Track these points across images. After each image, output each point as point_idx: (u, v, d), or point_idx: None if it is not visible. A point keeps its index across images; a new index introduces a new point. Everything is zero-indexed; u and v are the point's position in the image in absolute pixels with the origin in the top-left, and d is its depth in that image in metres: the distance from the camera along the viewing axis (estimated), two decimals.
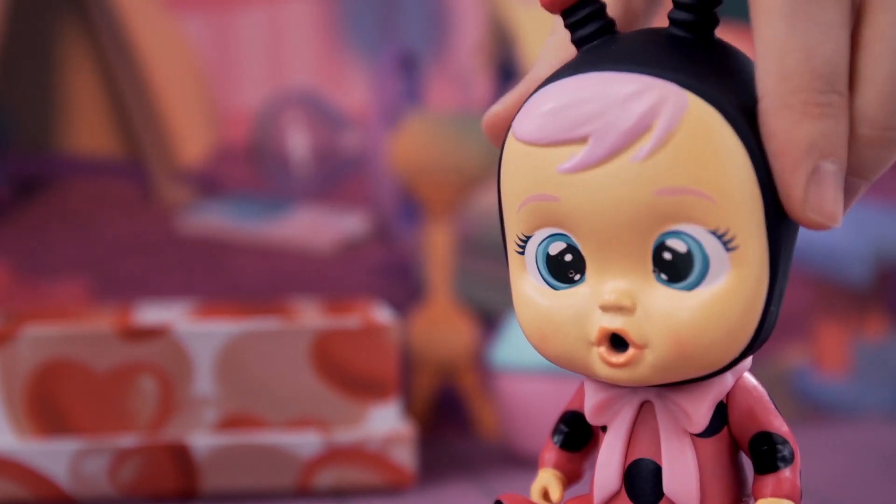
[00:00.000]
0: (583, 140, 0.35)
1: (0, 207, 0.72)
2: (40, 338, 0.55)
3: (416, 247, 0.75)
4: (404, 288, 0.75)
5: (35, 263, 0.72)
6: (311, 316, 0.63)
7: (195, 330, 0.56)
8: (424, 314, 0.73)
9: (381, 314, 0.61)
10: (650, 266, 0.35)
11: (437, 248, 0.74)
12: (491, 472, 0.62)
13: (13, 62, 0.72)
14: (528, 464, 0.62)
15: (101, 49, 0.73)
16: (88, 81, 0.73)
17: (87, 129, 0.73)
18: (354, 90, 0.75)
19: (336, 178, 0.75)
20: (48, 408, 0.56)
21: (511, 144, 0.37)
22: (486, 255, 0.75)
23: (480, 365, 0.73)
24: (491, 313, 0.74)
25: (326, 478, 0.57)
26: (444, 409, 0.74)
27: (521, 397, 0.63)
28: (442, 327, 0.73)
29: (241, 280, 0.74)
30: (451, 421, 0.74)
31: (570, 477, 0.40)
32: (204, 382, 0.56)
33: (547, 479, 0.40)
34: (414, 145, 0.73)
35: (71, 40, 0.72)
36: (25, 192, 0.72)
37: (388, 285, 0.75)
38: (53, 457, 0.55)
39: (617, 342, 0.35)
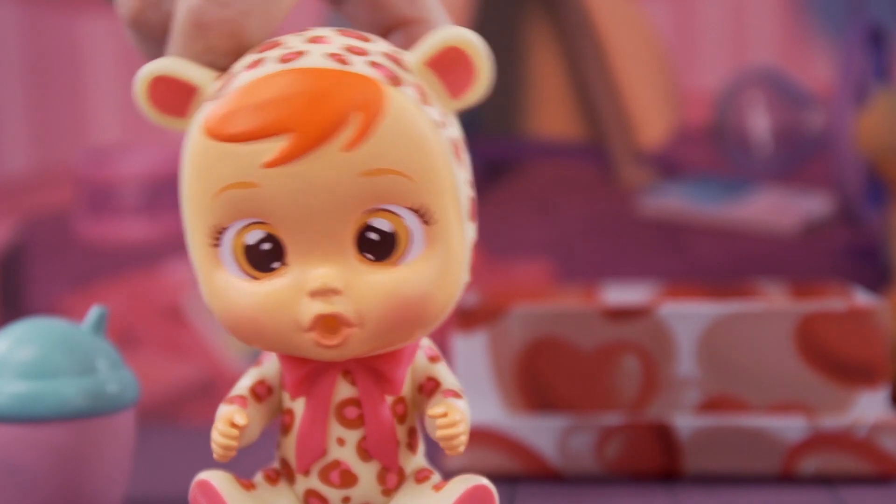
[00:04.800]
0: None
1: None
2: (529, 316, 0.57)
3: (883, 229, 0.72)
4: (870, 271, 0.72)
5: (501, 244, 0.74)
6: (782, 299, 0.61)
7: (678, 311, 0.56)
8: (892, 298, 0.70)
9: (863, 297, 0.59)
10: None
11: None
12: None
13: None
14: None
15: (565, 34, 0.74)
16: (553, 66, 0.74)
17: (550, 113, 0.74)
18: (819, 67, 0.73)
19: (799, 158, 0.73)
20: (536, 384, 0.57)
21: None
22: None
23: None
24: None
25: (811, 464, 0.55)
26: None
27: None
28: None
29: (702, 262, 0.73)
30: None
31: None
32: (687, 363, 0.56)
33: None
34: (881, 124, 0.71)
35: (536, 27, 0.74)
36: (493, 175, 0.74)
37: (854, 268, 0.72)
38: (542, 432, 0.56)
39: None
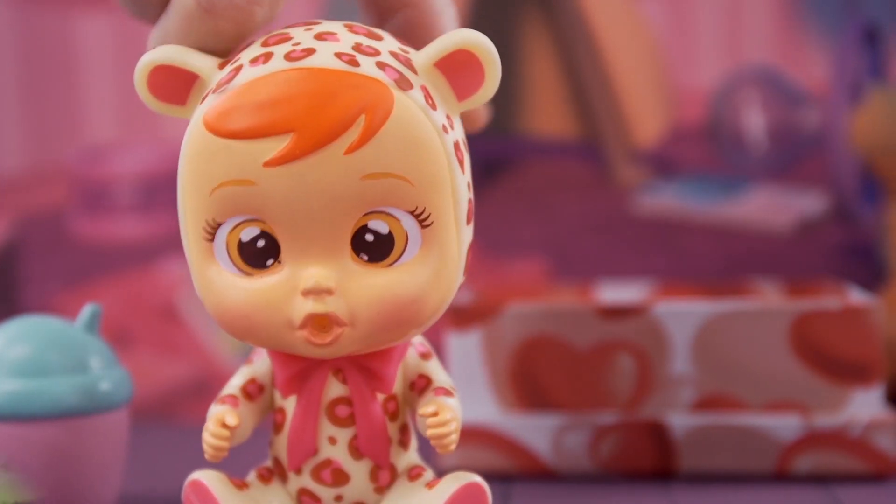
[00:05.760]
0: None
1: None
2: (524, 314, 0.57)
3: (878, 227, 0.72)
4: (866, 270, 0.72)
5: (497, 242, 0.74)
6: (777, 297, 0.61)
7: (673, 309, 0.56)
8: (888, 297, 0.70)
9: (857, 296, 0.59)
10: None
11: None
12: None
13: None
14: None
15: (561, 32, 0.74)
16: (548, 65, 0.74)
17: (546, 112, 0.74)
18: (814, 66, 0.73)
19: (794, 156, 0.73)
20: (530, 382, 0.57)
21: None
22: None
23: None
24: None
25: (805, 462, 0.55)
26: None
27: None
28: None
29: (697, 260, 0.73)
30: None
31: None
32: (681, 362, 0.56)
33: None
34: (876, 122, 0.70)
35: (531, 25, 0.74)
36: (489, 174, 0.74)
37: (849, 267, 0.72)
38: (536, 430, 0.56)
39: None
